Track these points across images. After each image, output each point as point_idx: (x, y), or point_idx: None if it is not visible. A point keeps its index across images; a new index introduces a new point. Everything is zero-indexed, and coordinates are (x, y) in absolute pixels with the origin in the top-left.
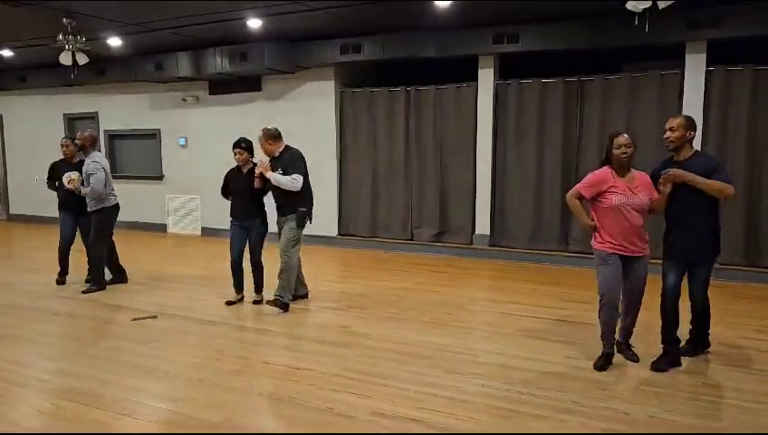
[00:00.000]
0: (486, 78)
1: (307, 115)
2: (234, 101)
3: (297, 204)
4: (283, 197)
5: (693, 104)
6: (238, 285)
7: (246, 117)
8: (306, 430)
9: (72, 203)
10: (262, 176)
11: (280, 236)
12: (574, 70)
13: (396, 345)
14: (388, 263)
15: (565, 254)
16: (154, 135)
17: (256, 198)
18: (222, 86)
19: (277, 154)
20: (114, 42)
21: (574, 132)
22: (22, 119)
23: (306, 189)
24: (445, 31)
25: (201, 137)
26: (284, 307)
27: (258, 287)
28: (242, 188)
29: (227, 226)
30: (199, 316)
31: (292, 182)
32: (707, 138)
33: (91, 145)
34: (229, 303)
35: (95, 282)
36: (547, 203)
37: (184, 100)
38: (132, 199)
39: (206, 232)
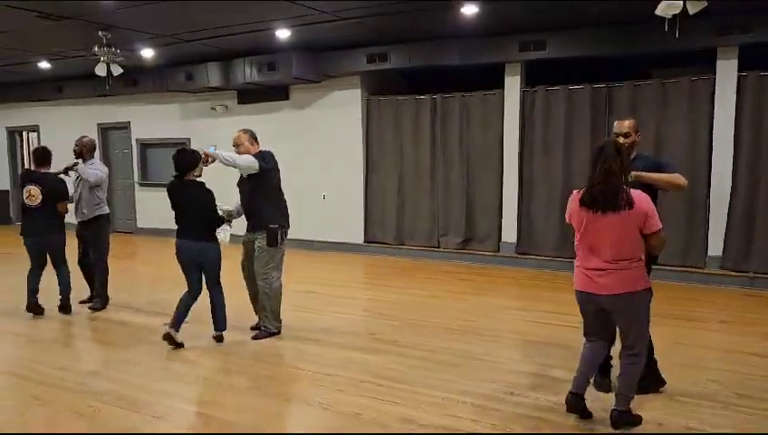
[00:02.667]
0: (513, 85)
1: (334, 123)
2: (262, 110)
3: (268, 216)
4: (250, 206)
5: (725, 110)
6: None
7: (274, 126)
8: None
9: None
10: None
11: (243, 255)
12: (602, 76)
13: (423, 353)
14: (414, 270)
15: None
16: (184, 144)
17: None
18: (250, 96)
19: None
20: (147, 53)
21: (602, 139)
22: (58, 128)
23: (277, 201)
24: (471, 39)
25: (230, 146)
26: (272, 336)
27: (220, 323)
28: (191, 201)
29: None
30: (230, 322)
31: (245, 159)
32: (740, 143)
33: (89, 152)
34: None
35: (100, 298)
36: None
37: (213, 109)
38: (163, 207)
39: (235, 239)
